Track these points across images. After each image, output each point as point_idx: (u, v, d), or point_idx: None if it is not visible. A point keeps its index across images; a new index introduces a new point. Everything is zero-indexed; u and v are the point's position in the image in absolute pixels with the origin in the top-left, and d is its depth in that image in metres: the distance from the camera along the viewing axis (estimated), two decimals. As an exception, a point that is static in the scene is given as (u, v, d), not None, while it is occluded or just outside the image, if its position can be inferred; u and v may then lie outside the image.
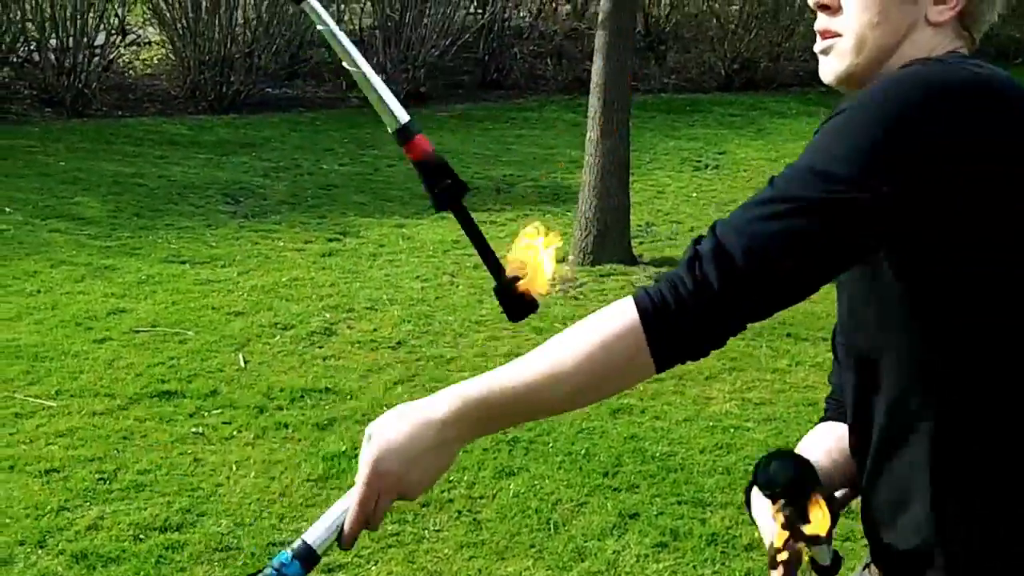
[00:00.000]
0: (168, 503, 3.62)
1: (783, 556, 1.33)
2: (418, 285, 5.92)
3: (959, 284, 1.23)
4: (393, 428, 1.27)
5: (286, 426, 4.20)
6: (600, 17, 6.58)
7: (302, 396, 4.46)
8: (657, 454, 4.04)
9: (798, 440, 4.66)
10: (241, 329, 5.17)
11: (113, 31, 10.58)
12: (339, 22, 11.69)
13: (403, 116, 1.37)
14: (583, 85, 8.05)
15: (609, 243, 6.39)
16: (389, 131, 1.37)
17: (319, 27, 1.36)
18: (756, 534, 3.64)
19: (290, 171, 8.45)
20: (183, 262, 6.17)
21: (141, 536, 3.42)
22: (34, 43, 10.08)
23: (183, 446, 4.02)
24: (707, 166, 9.14)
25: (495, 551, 3.40)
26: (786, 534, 1.34)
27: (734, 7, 12.73)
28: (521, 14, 12.84)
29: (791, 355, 5.05)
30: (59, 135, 9.16)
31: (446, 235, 6.76)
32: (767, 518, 1.42)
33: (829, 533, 1.36)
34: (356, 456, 4.01)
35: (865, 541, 1.47)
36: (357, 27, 11.73)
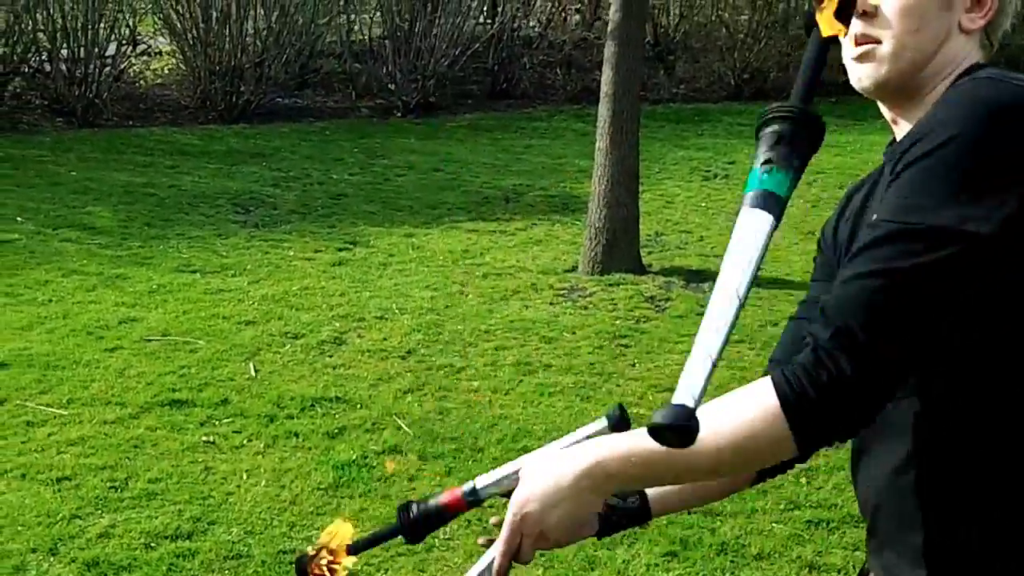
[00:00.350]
0: (179, 511, 3.63)
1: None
2: (428, 294, 5.93)
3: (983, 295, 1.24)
4: (539, 472, 1.32)
5: (296, 435, 4.21)
6: (609, 27, 6.60)
7: (312, 405, 4.47)
8: (666, 463, 4.03)
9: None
10: (251, 338, 5.19)
11: (124, 41, 10.65)
12: (348, 33, 11.77)
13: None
14: (592, 95, 8.07)
15: (618, 252, 6.40)
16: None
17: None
18: (766, 543, 3.66)
19: (300, 181, 8.49)
20: (194, 271, 6.20)
21: (152, 544, 3.44)
22: (45, 53, 10.16)
23: (194, 454, 4.04)
24: (716, 176, 9.15)
25: (504, 560, 3.40)
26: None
27: (743, 17, 12.75)
28: (530, 24, 12.88)
29: (800, 365, 5.04)
30: (70, 145, 9.22)
31: (456, 245, 6.78)
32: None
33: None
34: (366, 465, 4.05)
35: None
36: (367, 38, 11.79)
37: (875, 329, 1.18)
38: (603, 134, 6.45)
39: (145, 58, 11.43)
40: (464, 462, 4.02)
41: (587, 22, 13.13)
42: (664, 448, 1.16)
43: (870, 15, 1.35)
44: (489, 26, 11.97)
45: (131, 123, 10.22)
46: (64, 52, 10.03)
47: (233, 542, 3.46)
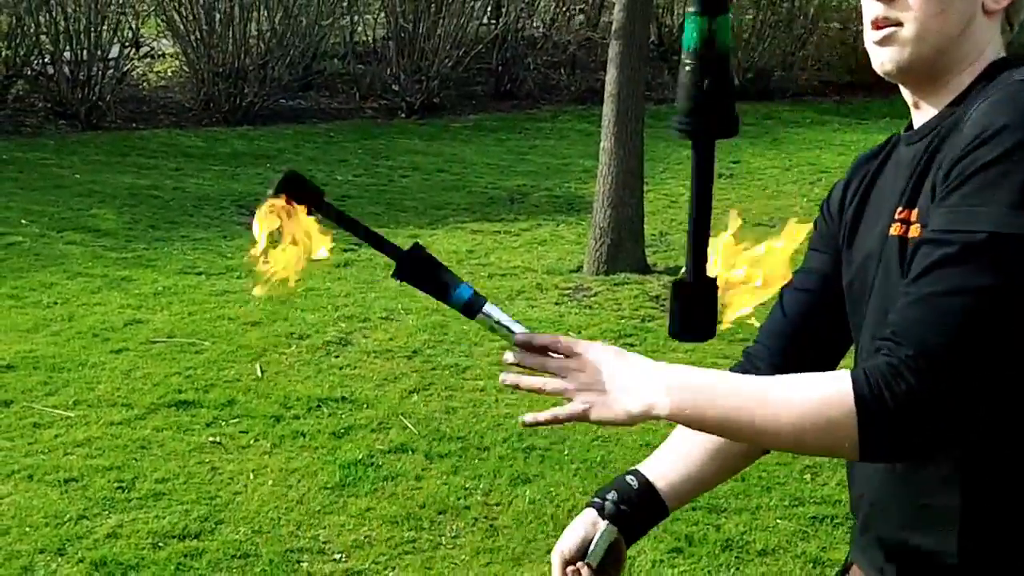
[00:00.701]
0: (186, 511, 3.64)
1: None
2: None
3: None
4: (612, 356, 1.31)
5: (303, 435, 4.22)
6: (614, 27, 6.60)
7: (318, 405, 4.48)
8: (672, 462, 4.04)
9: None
10: (257, 339, 5.20)
11: (127, 44, 10.67)
12: (352, 34, 11.78)
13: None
14: (597, 95, 8.07)
15: (623, 252, 6.40)
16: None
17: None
18: (770, 539, 3.65)
19: (304, 182, 8.49)
20: (199, 273, 6.21)
21: (160, 544, 3.44)
22: (48, 56, 10.17)
23: (201, 455, 4.05)
24: (721, 175, 9.13)
25: (511, 557, 3.41)
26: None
27: (747, 16, 12.73)
28: (535, 24, 12.88)
29: (806, 363, 5.05)
30: (74, 148, 9.23)
31: (460, 245, 6.78)
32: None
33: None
34: (372, 464, 4.05)
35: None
36: (371, 39, 11.80)
37: (955, 350, 1.17)
38: (607, 134, 6.45)
39: (148, 60, 11.45)
40: (470, 461, 4.02)
41: (591, 22, 13.13)
42: (736, 389, 1.23)
43: None
44: (493, 27, 11.97)
45: (135, 125, 10.24)
46: (67, 55, 10.05)
47: (240, 541, 3.46)
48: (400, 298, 5.87)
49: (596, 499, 1.55)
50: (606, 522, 1.52)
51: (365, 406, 4.49)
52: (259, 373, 4.80)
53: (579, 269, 6.47)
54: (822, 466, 4.00)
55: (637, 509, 1.54)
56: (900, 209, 1.34)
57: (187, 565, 3.34)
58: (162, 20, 10.87)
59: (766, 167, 9.41)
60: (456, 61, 11.22)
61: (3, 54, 10.01)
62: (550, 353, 1.33)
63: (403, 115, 11.01)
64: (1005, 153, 1.19)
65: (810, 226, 1.40)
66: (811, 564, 3.41)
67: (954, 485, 1.30)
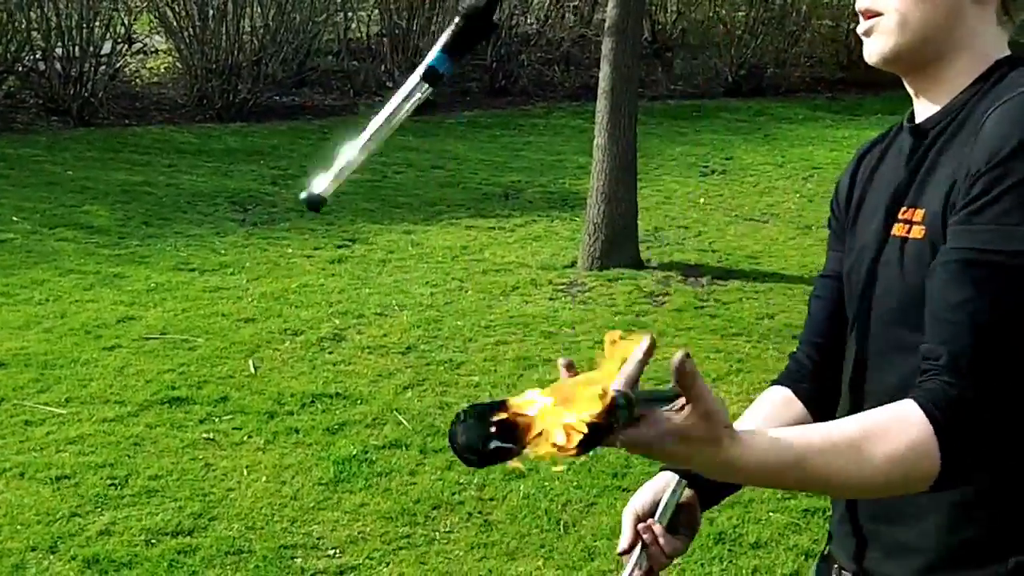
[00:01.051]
0: (180, 508, 3.63)
1: None
2: (427, 291, 5.93)
3: None
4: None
5: (297, 431, 4.21)
6: (607, 24, 6.59)
7: (312, 401, 4.47)
8: (667, 457, 4.04)
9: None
10: (251, 335, 5.19)
11: (120, 40, 10.64)
12: (346, 30, 11.76)
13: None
14: (591, 91, 8.07)
15: (617, 248, 6.40)
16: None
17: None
18: (762, 532, 3.66)
19: (298, 179, 8.47)
20: (192, 270, 6.19)
21: (153, 541, 3.43)
22: (40, 52, 10.13)
23: (194, 451, 4.04)
24: (714, 171, 9.15)
25: (505, 552, 3.41)
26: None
27: (740, 13, 12.74)
28: (528, 21, 12.87)
29: (800, 358, 5.05)
30: (66, 144, 9.20)
31: (455, 241, 6.77)
32: None
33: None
34: (366, 460, 4.04)
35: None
36: (365, 35, 11.78)
37: (1007, 370, 1.18)
38: (601, 130, 6.45)
39: (141, 56, 11.41)
40: (464, 457, 4.01)
41: (585, 19, 13.13)
42: (821, 464, 1.15)
43: None
44: (486, 23, 11.95)
45: (127, 122, 10.21)
46: (59, 51, 10.00)
47: (234, 538, 3.45)
48: (394, 294, 5.86)
49: None
50: (677, 477, 1.47)
51: (359, 402, 4.48)
52: (253, 369, 4.79)
53: (573, 265, 6.46)
54: (816, 461, 4.01)
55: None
56: (904, 208, 1.33)
57: (180, 562, 3.33)
58: (155, 16, 10.84)
59: (759, 163, 9.42)
60: (450, 58, 11.21)
61: (-5, 50, 9.97)
62: None
63: (397, 112, 11.00)
64: (1008, 196, 1.19)
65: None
66: (803, 556, 3.42)
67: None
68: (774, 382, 1.58)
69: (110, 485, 3.77)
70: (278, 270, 6.24)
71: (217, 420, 4.30)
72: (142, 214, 7.30)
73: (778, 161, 9.48)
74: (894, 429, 1.18)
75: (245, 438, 4.15)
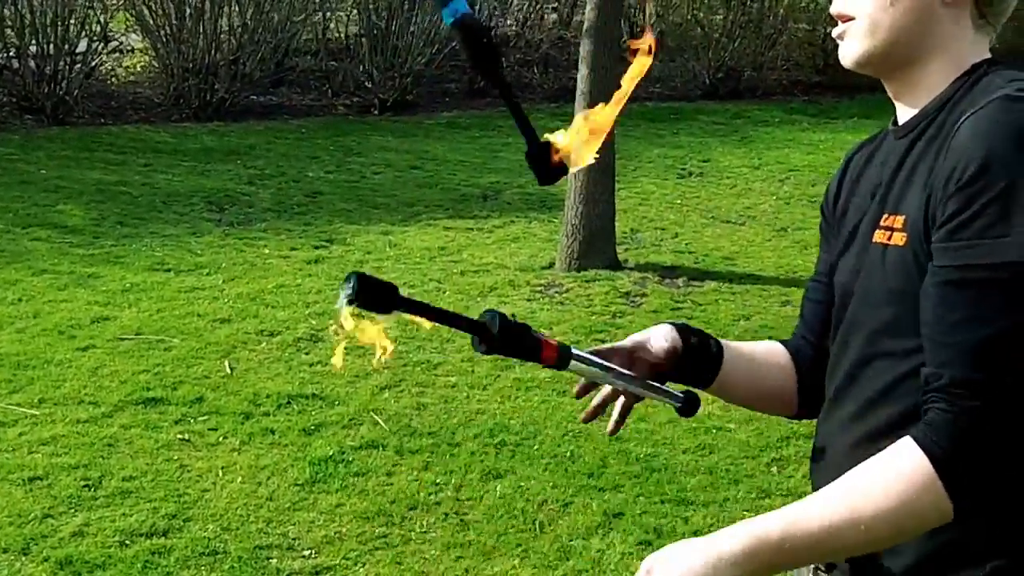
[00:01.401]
0: (154, 509, 3.61)
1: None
2: (405, 291, 5.88)
3: None
4: (685, 559, 1.26)
5: (272, 432, 4.19)
6: (585, 26, 6.61)
7: (288, 402, 4.46)
8: (641, 455, 4.06)
9: (779, 442, 4.66)
10: (227, 336, 5.16)
11: (95, 38, 10.54)
12: (325, 30, 11.73)
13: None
14: (569, 93, 8.07)
15: (595, 249, 6.41)
16: None
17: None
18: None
19: (275, 179, 8.44)
20: (167, 270, 6.16)
21: (127, 542, 3.41)
22: (13, 49, 10.03)
23: (169, 452, 4.01)
24: (691, 174, 9.18)
25: (482, 551, 3.41)
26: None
27: (718, 17, 12.79)
28: (508, 23, 12.87)
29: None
30: (40, 143, 9.13)
31: (433, 242, 6.76)
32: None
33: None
34: (343, 461, 4.03)
35: None
36: (343, 35, 11.75)
37: (1008, 385, 1.20)
38: (579, 131, 6.45)
39: (117, 55, 11.32)
40: (441, 457, 4.02)
41: (564, 21, 13.14)
42: (818, 528, 1.21)
43: None
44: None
45: (103, 121, 10.13)
46: (33, 48, 9.90)
47: (209, 539, 3.44)
48: (371, 295, 5.85)
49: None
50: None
51: (336, 403, 4.47)
52: (228, 370, 4.76)
53: (551, 266, 6.47)
54: (788, 459, 4.03)
55: (696, 334, 1.57)
56: (885, 215, 1.34)
57: (155, 563, 3.31)
58: (131, 14, 10.77)
59: (736, 165, 9.46)
60: (429, 58, 11.19)
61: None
62: None
63: (376, 112, 10.97)
64: (1011, 185, 1.20)
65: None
66: (780, 559, 3.43)
67: None
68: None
69: (84, 486, 3.74)
70: (254, 270, 6.21)
71: (192, 421, 4.27)
72: (117, 214, 7.26)
73: (755, 163, 9.52)
74: (879, 480, 1.22)
75: (220, 439, 4.14)
